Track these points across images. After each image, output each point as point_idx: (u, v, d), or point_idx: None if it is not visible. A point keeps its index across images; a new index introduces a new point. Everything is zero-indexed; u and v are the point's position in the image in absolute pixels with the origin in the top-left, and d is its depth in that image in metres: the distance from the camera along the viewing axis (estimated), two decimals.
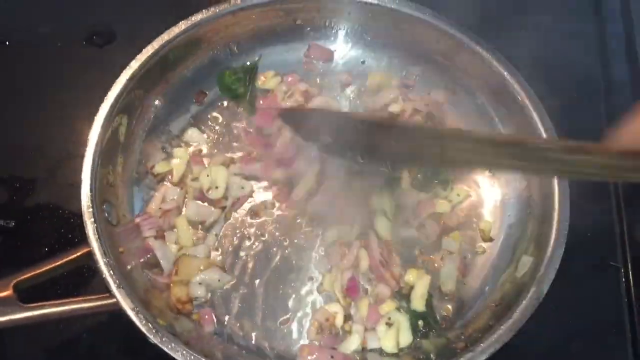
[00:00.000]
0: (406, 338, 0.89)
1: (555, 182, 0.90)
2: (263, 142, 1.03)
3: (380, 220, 0.96)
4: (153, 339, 0.77)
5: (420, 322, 0.90)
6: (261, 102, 1.07)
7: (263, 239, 0.97)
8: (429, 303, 0.91)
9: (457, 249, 0.96)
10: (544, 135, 0.94)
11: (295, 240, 0.97)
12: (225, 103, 1.07)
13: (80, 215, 0.84)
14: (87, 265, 0.92)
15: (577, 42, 1.19)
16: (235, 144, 1.04)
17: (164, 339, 0.77)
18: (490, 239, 0.98)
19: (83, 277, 0.93)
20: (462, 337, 0.87)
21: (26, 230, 0.98)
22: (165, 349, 0.76)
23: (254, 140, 1.03)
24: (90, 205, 0.84)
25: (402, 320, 0.89)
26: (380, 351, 0.89)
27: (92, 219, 0.83)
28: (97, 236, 0.82)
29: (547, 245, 0.87)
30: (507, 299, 0.87)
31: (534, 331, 0.83)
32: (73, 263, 0.84)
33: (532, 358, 0.93)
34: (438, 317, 0.92)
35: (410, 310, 0.91)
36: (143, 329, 0.77)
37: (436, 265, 0.95)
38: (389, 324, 0.89)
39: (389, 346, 0.88)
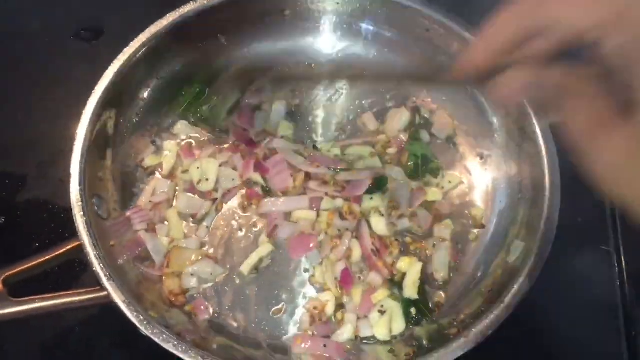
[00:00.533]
0: (399, 326, 0.89)
1: (546, 166, 0.90)
2: (248, 138, 1.02)
3: (374, 219, 0.95)
4: (145, 331, 0.77)
5: (413, 310, 0.90)
6: (247, 101, 1.06)
7: (255, 229, 0.97)
8: (421, 290, 0.91)
9: (449, 236, 0.96)
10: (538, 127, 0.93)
11: None
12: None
13: (70, 211, 0.84)
14: (78, 260, 0.92)
15: None
16: (225, 136, 1.03)
17: (155, 331, 0.77)
18: (482, 226, 0.98)
19: (74, 271, 0.93)
20: (455, 323, 0.87)
21: (16, 225, 0.98)
22: (157, 341, 0.76)
23: (240, 136, 1.03)
24: (80, 199, 0.84)
25: (395, 308, 0.89)
26: (374, 339, 0.89)
27: (82, 213, 0.83)
28: (87, 229, 0.82)
29: (538, 230, 0.87)
30: (499, 284, 0.87)
31: (526, 316, 0.83)
32: (63, 257, 0.83)
33: (524, 342, 0.93)
34: (431, 304, 0.92)
35: (403, 298, 0.91)
36: (135, 321, 0.77)
37: (428, 252, 0.95)
38: (382, 312, 0.89)
39: (382, 334, 0.88)
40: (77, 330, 0.91)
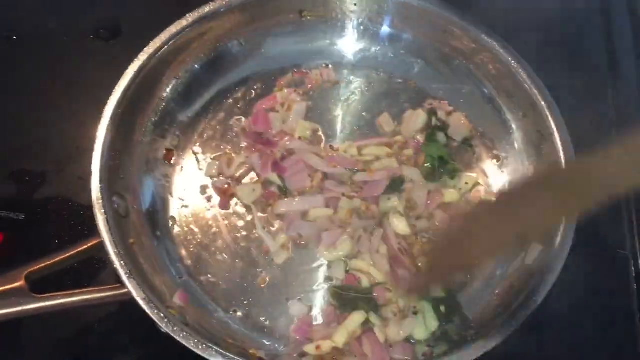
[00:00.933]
0: (433, 323, 0.89)
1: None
2: (264, 140, 1.03)
3: (395, 219, 0.95)
4: (165, 328, 0.77)
5: (443, 307, 0.90)
6: (262, 105, 1.06)
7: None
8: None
9: None
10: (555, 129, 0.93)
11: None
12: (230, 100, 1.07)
13: (89, 208, 0.84)
14: (97, 258, 0.93)
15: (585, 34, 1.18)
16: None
17: (175, 328, 0.77)
18: None
19: (93, 269, 0.94)
20: (472, 325, 0.87)
21: (36, 222, 0.99)
22: (178, 338, 0.77)
23: (254, 139, 1.03)
24: (100, 197, 0.85)
25: (426, 306, 0.90)
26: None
27: (103, 211, 0.84)
28: (107, 227, 0.83)
29: (556, 233, 0.87)
30: (516, 286, 0.87)
31: (542, 319, 0.83)
32: (83, 254, 0.84)
33: (539, 347, 0.93)
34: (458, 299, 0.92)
35: (431, 297, 0.91)
36: (155, 318, 0.78)
37: None
38: (415, 312, 0.90)
39: (421, 333, 0.88)
40: (96, 327, 0.91)
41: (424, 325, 0.89)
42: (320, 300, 0.92)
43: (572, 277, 0.87)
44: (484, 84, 1.06)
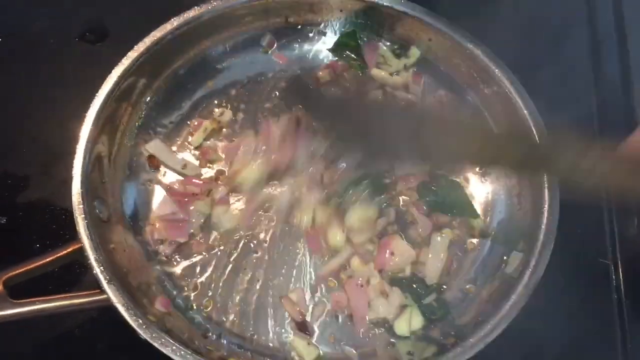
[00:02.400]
0: (418, 321, 0.90)
1: (545, 178, 0.90)
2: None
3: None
4: (144, 334, 0.77)
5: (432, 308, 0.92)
6: None
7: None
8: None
9: (447, 245, 0.96)
10: (534, 130, 0.94)
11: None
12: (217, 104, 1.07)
13: (71, 212, 0.84)
14: (78, 262, 0.92)
15: (568, 37, 1.19)
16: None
17: (154, 335, 0.77)
18: (481, 236, 0.98)
19: (74, 274, 0.93)
20: (452, 333, 0.87)
21: (18, 226, 0.98)
22: (156, 345, 0.77)
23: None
24: (81, 201, 0.85)
25: (415, 305, 0.91)
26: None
27: (83, 216, 0.83)
28: (88, 232, 0.82)
29: (536, 241, 0.87)
30: (497, 295, 0.88)
31: (522, 328, 0.83)
32: (64, 259, 0.84)
33: (520, 355, 0.93)
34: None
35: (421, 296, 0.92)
36: (133, 325, 0.78)
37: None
38: (403, 307, 0.91)
39: (402, 330, 0.90)
40: (76, 333, 0.91)
41: (408, 321, 0.90)
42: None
43: (553, 285, 0.87)
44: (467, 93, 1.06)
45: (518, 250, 0.91)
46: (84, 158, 0.88)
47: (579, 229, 0.99)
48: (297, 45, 1.11)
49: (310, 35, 1.10)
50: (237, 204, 0.98)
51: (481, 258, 0.97)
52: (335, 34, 1.10)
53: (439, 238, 0.95)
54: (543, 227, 0.88)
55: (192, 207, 0.96)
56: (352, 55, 1.09)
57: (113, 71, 0.94)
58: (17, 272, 0.80)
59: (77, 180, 0.86)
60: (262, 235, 0.96)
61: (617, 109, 1.12)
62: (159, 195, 0.98)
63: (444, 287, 0.94)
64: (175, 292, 0.92)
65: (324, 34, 1.10)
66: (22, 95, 1.09)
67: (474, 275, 0.95)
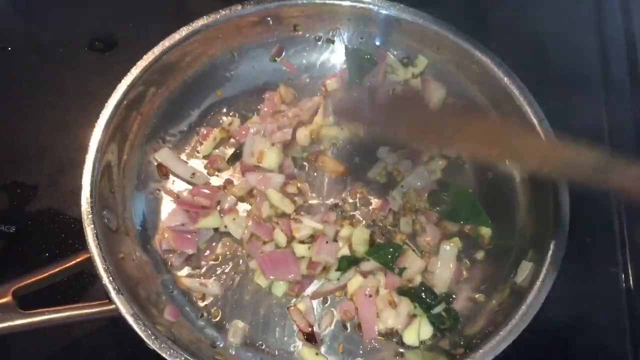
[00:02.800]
0: (427, 331, 0.90)
1: (555, 188, 0.90)
2: None
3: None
4: (152, 345, 0.77)
5: (441, 318, 0.91)
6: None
7: None
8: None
9: (456, 255, 0.95)
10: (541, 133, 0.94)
11: None
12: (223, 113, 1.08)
13: (80, 222, 0.84)
14: (87, 272, 0.92)
15: (577, 41, 1.18)
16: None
17: (163, 345, 0.77)
18: (490, 245, 0.98)
19: (83, 283, 0.94)
20: (462, 342, 0.87)
21: (27, 235, 0.99)
22: (165, 355, 0.77)
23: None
24: (90, 211, 0.85)
25: (424, 315, 0.91)
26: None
27: (92, 226, 0.84)
28: (96, 242, 0.83)
29: (546, 251, 0.87)
30: (507, 304, 0.87)
31: (532, 337, 0.83)
32: (73, 269, 0.84)
33: None
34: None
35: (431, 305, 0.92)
36: (142, 335, 0.78)
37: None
38: (413, 316, 0.91)
39: (411, 339, 0.90)
40: (85, 343, 0.91)
41: (417, 331, 0.90)
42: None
43: (563, 294, 0.87)
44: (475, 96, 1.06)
45: (527, 259, 0.90)
46: (94, 167, 0.88)
47: (588, 238, 0.98)
48: (305, 54, 1.11)
49: (319, 44, 1.10)
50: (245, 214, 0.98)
51: (491, 267, 0.96)
52: (343, 42, 1.10)
53: (447, 247, 0.95)
54: (553, 236, 0.87)
55: (201, 220, 0.96)
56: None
57: (123, 80, 0.94)
58: (26, 282, 0.80)
59: (87, 190, 0.86)
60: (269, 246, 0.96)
61: (625, 115, 1.11)
62: (167, 205, 0.99)
63: (453, 296, 0.93)
64: (183, 302, 0.92)
65: (332, 42, 1.10)
66: (30, 104, 1.10)
67: (483, 285, 0.94)
